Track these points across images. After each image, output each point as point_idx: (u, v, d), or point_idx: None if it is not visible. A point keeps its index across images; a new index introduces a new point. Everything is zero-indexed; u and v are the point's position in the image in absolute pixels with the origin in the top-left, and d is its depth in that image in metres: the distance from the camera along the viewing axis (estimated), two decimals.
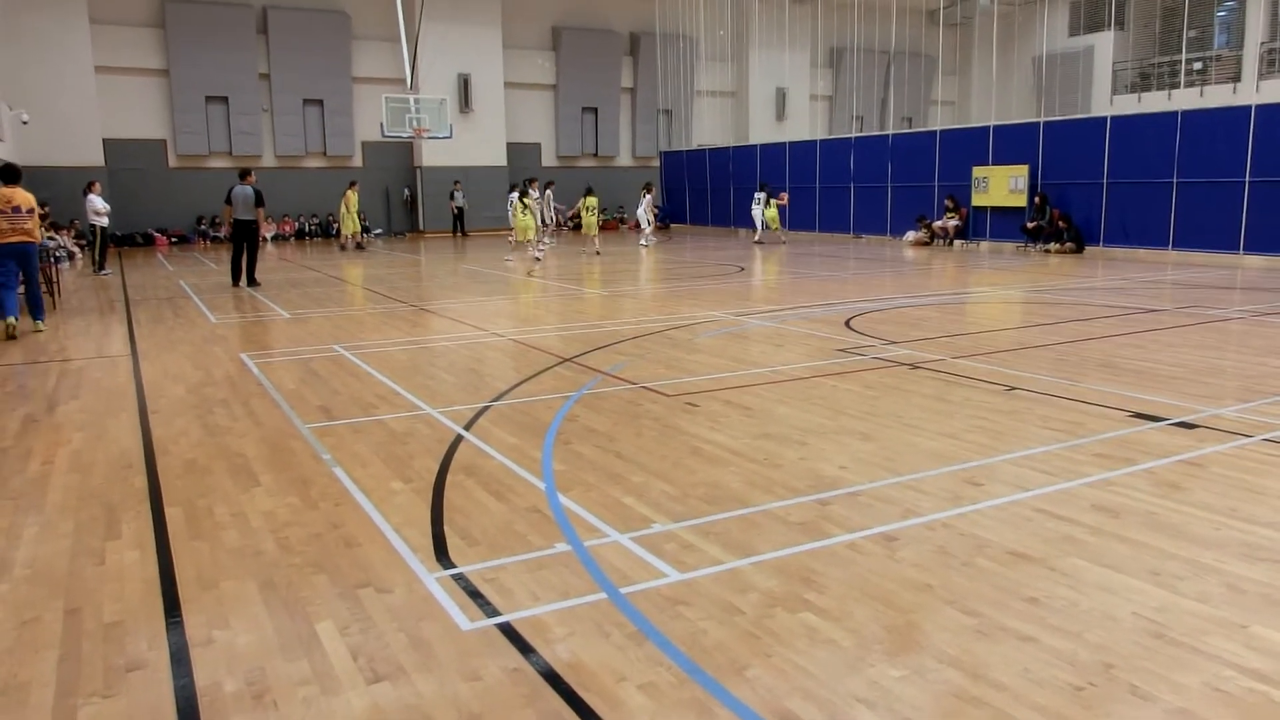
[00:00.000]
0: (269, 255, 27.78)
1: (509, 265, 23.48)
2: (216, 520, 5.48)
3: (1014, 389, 8.44)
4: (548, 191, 29.73)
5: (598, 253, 27.02)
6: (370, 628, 4.12)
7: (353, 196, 29.54)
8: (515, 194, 25.71)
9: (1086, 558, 4.70)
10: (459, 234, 35.28)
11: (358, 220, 29.99)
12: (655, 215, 33.56)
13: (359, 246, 29.85)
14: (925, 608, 4.20)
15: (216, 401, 8.61)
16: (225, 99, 32.89)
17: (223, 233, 31.73)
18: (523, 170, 37.29)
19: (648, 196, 31.21)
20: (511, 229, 30.43)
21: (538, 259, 24.62)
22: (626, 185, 39.93)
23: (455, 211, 35.42)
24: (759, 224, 30.39)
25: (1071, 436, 6.87)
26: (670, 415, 7.76)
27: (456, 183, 35.22)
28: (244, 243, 18.78)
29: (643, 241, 30.40)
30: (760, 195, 30.30)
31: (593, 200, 28.05)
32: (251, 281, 18.72)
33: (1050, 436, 6.88)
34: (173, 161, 32.72)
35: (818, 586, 4.42)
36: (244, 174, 18.73)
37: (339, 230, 30.67)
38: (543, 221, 29.87)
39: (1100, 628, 4.00)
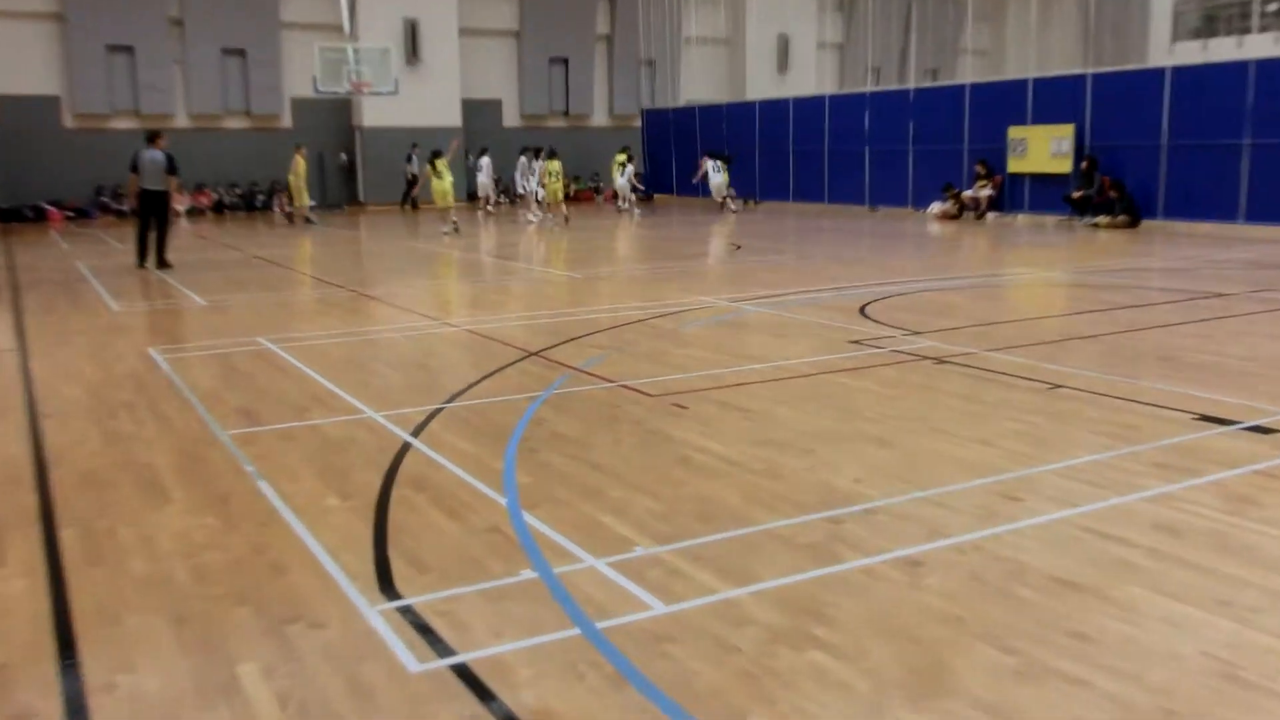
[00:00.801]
0: (182, 232, 27.63)
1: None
2: (120, 544, 5.43)
3: (1058, 387, 8.46)
4: (522, 158, 29.97)
5: (566, 219, 27.25)
6: (301, 670, 4.09)
7: (302, 162, 29.40)
8: (429, 162, 26.05)
9: (1145, 585, 4.70)
10: (408, 206, 35.07)
11: (305, 190, 29.85)
12: (637, 185, 34.15)
13: (289, 218, 29.72)
14: (955, 644, 4.20)
15: (120, 404, 8.55)
16: (130, 49, 32.70)
17: (128, 206, 31.45)
18: (481, 132, 37.16)
19: (630, 167, 31.68)
20: (486, 199, 30.90)
21: (455, 229, 25.23)
22: (603, 149, 39.86)
23: (410, 179, 35.17)
24: (724, 191, 31.88)
25: (1126, 443, 6.88)
26: (654, 419, 7.75)
27: (415, 146, 34.97)
28: (152, 217, 18.69)
29: (623, 206, 31.65)
30: (717, 162, 31.91)
31: (555, 165, 28.19)
32: (162, 262, 18.63)
33: (1101, 443, 6.89)
34: (68, 121, 32.53)
35: (828, 620, 4.41)
36: (152, 136, 18.62)
37: (291, 202, 30.58)
38: (503, 192, 30.44)
39: (1162, 668, 4.00)
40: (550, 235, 25.36)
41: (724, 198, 31.86)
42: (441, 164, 25.58)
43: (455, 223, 25.51)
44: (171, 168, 18.41)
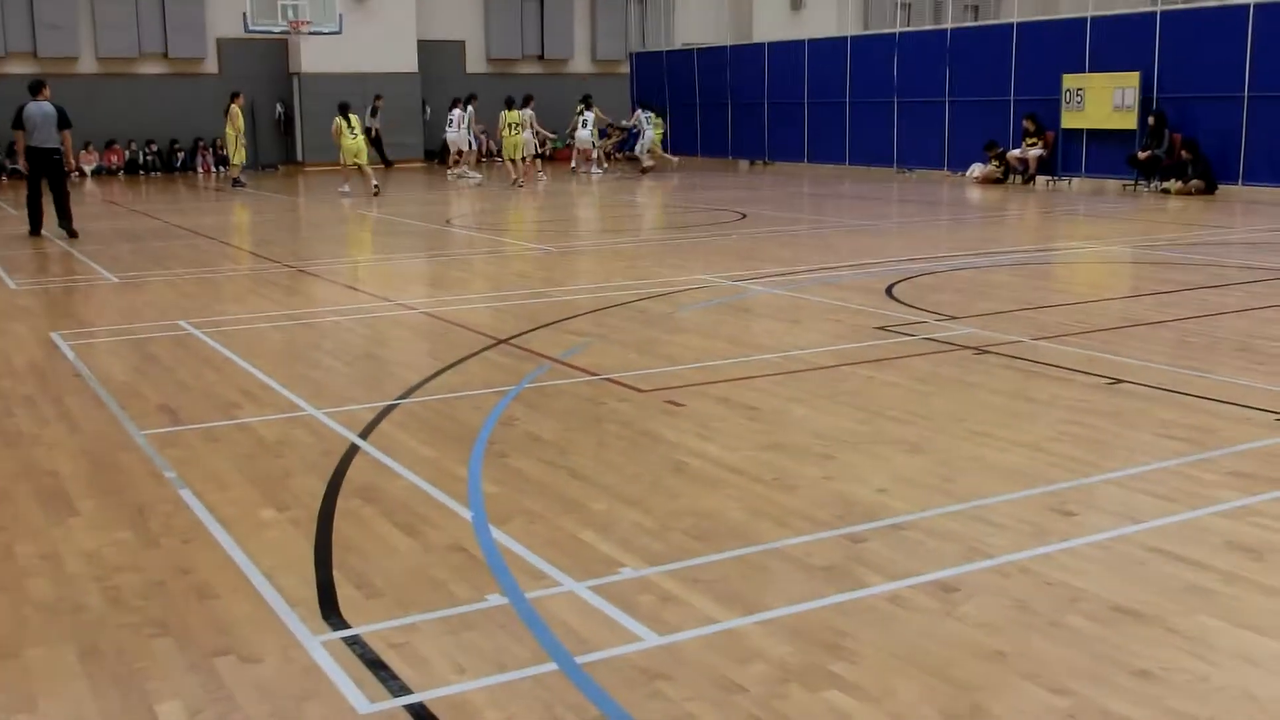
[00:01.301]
0: (89, 195, 27.55)
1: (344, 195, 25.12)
2: (19, 563, 5.43)
3: (1119, 382, 8.48)
4: (469, 109, 30.32)
5: (518, 184, 27.73)
6: (232, 711, 4.09)
7: (238, 113, 29.33)
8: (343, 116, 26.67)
9: (1219, 615, 4.73)
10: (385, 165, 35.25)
11: (243, 147, 29.89)
12: (618, 139, 34.88)
13: (237, 183, 29.53)
14: (996, 683, 4.22)
15: (18, 399, 8.54)
16: None
17: (21, 165, 31.35)
18: (438, 80, 37.08)
19: (590, 114, 32.52)
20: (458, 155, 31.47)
21: (376, 190, 26.25)
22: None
23: (375, 135, 35.09)
24: (642, 147, 33.74)
25: (1199, 448, 6.90)
26: (645, 418, 7.76)
27: (378, 98, 34.83)
28: (45, 179, 18.85)
29: (594, 170, 32.91)
30: (648, 114, 33.89)
31: (514, 115, 28.61)
32: (68, 230, 18.70)
33: (1169, 448, 6.92)
34: None
35: (848, 654, 4.43)
36: (37, 87, 18.99)
37: (228, 160, 30.85)
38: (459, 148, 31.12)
39: (1238, 711, 4.02)
40: (512, 199, 25.34)
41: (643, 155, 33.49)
42: (354, 119, 26.40)
43: (377, 185, 26.29)
44: (65, 121, 18.63)
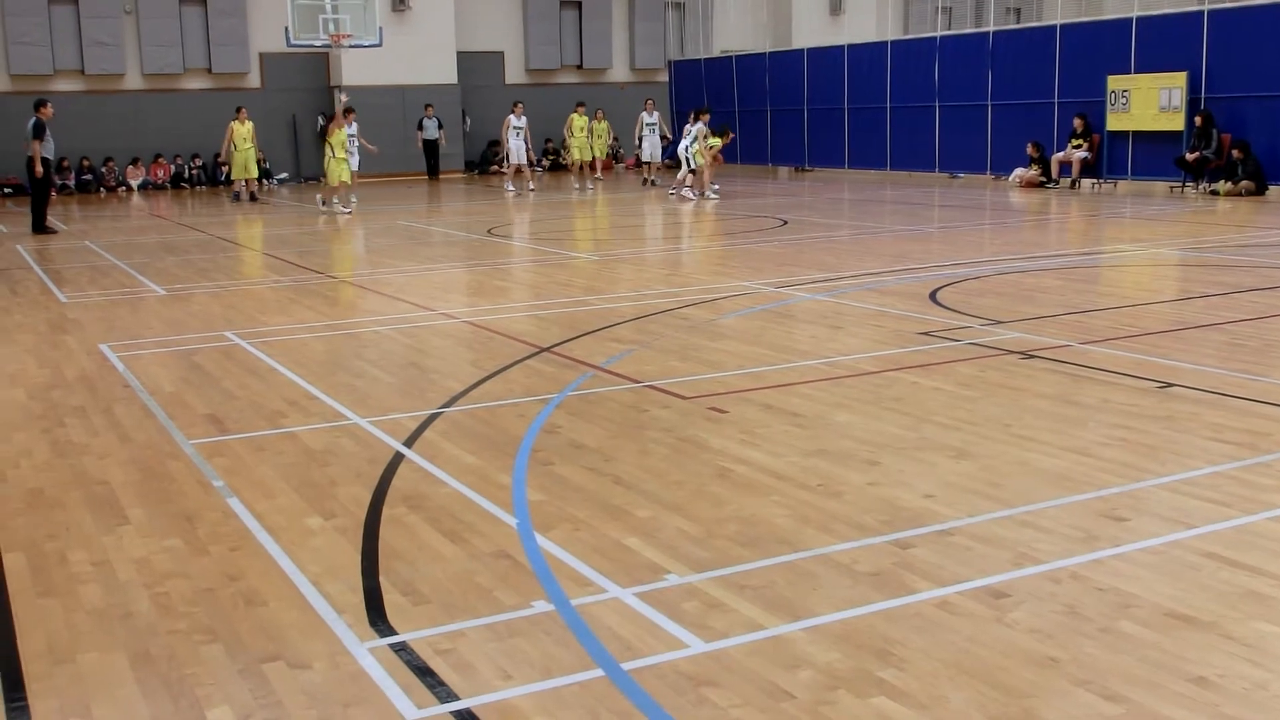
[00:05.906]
0: (136, 210, 27.84)
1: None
2: (72, 570, 5.49)
3: (1169, 386, 8.42)
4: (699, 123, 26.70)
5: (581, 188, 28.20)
6: (281, 716, 4.12)
7: (239, 128, 29.18)
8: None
9: (1277, 621, 4.68)
10: (433, 177, 35.58)
11: (254, 161, 29.56)
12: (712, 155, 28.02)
13: (253, 198, 29.61)
14: (1047, 690, 4.19)
15: (69, 409, 8.62)
16: None
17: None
18: (475, 90, 37.22)
19: (699, 124, 27.05)
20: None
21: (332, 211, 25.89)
22: (621, 107, 39.70)
23: (424, 146, 35.44)
24: (688, 162, 27.59)
25: (1253, 451, 6.84)
26: (688, 425, 7.76)
27: (429, 106, 35.11)
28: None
29: (692, 193, 27.32)
30: (697, 127, 27.01)
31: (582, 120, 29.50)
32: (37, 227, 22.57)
33: (1222, 452, 6.86)
34: (3, 84, 32.69)
35: (896, 660, 4.42)
36: (40, 104, 22.58)
37: (228, 175, 30.82)
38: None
39: None
40: (552, 209, 25.41)
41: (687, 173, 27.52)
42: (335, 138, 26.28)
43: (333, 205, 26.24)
44: (38, 132, 22.12)
